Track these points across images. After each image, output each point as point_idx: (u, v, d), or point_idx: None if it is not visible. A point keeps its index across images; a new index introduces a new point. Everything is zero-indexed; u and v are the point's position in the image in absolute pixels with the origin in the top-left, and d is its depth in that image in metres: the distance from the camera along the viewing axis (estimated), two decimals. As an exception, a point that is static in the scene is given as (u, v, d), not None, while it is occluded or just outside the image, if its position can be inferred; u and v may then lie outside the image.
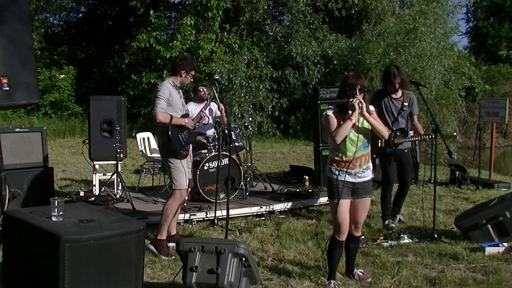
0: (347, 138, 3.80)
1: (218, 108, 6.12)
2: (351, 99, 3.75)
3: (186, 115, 4.95)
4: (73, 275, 2.68)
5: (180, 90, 4.99)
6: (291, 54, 15.74)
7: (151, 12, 15.85)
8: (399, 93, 5.55)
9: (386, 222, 5.67)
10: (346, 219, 3.86)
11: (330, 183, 3.88)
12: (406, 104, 5.52)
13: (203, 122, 5.70)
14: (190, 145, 5.03)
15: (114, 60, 18.42)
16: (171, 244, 4.95)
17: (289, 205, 6.35)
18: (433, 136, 5.27)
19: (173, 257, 4.58)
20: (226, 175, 5.76)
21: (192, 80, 5.08)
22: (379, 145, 5.38)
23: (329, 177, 3.90)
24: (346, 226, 3.88)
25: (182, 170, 4.80)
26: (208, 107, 5.56)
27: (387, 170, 5.61)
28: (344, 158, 3.82)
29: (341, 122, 3.80)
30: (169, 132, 4.74)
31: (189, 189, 5.21)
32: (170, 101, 4.76)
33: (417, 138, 5.60)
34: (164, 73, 15.24)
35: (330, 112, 3.87)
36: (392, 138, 5.41)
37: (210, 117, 6.95)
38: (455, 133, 5.95)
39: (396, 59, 14.21)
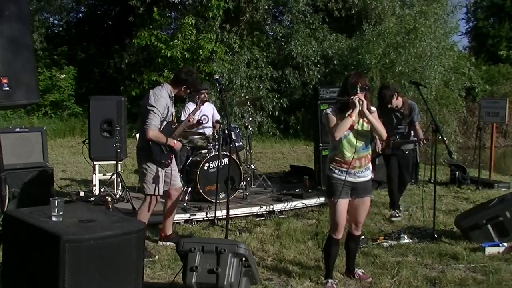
0: (346, 140, 3.81)
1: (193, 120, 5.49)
2: (352, 97, 3.76)
3: (171, 123, 4.79)
4: (73, 275, 2.68)
5: (173, 98, 4.80)
6: (291, 54, 15.72)
7: (155, 9, 15.87)
8: (400, 104, 5.91)
9: (392, 212, 6.01)
10: (343, 218, 3.87)
11: (329, 181, 3.89)
12: (406, 113, 5.93)
13: (204, 122, 5.68)
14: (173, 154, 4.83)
15: (114, 60, 18.39)
16: (167, 243, 4.95)
17: (289, 205, 6.36)
18: (430, 138, 5.65)
19: (156, 257, 4.57)
20: (226, 175, 5.75)
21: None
22: (377, 151, 5.94)
23: (328, 175, 3.91)
24: (343, 225, 3.90)
25: (158, 176, 4.64)
26: (198, 111, 5.48)
27: (388, 168, 6.13)
28: (343, 159, 3.83)
29: (340, 121, 3.81)
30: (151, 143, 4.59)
31: (189, 189, 5.20)
32: (163, 112, 4.58)
33: (416, 140, 5.98)
34: (165, 72, 15.20)
35: (329, 111, 3.91)
36: (392, 141, 5.91)
37: (209, 116, 6.96)
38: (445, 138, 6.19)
39: (396, 59, 14.21)
